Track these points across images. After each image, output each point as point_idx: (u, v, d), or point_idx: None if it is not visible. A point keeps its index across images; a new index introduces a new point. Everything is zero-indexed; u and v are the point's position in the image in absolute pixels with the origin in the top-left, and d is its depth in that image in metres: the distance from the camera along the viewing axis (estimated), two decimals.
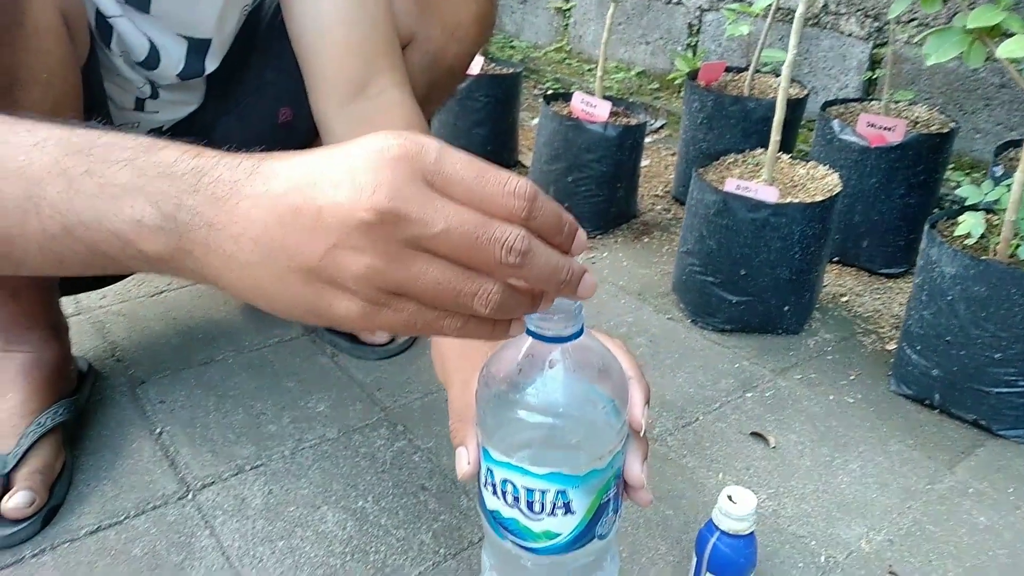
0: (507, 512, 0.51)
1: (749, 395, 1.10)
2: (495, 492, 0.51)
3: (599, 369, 0.51)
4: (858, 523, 0.88)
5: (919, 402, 1.08)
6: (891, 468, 0.96)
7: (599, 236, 1.58)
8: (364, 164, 0.37)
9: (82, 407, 0.98)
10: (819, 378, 1.14)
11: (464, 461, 0.53)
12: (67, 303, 1.22)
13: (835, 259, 1.47)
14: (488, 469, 0.51)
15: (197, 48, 0.89)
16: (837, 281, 1.43)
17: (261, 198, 0.39)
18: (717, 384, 1.12)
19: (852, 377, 1.15)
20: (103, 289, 1.30)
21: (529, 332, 0.48)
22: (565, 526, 0.51)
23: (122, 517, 0.84)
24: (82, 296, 1.27)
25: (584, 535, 0.51)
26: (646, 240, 1.58)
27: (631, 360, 0.55)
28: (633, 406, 0.53)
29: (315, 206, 0.37)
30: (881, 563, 0.82)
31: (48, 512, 0.82)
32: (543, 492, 0.49)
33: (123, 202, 0.39)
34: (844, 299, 1.37)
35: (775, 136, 1.18)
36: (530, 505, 0.50)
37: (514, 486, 0.50)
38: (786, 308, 1.21)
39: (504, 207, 0.38)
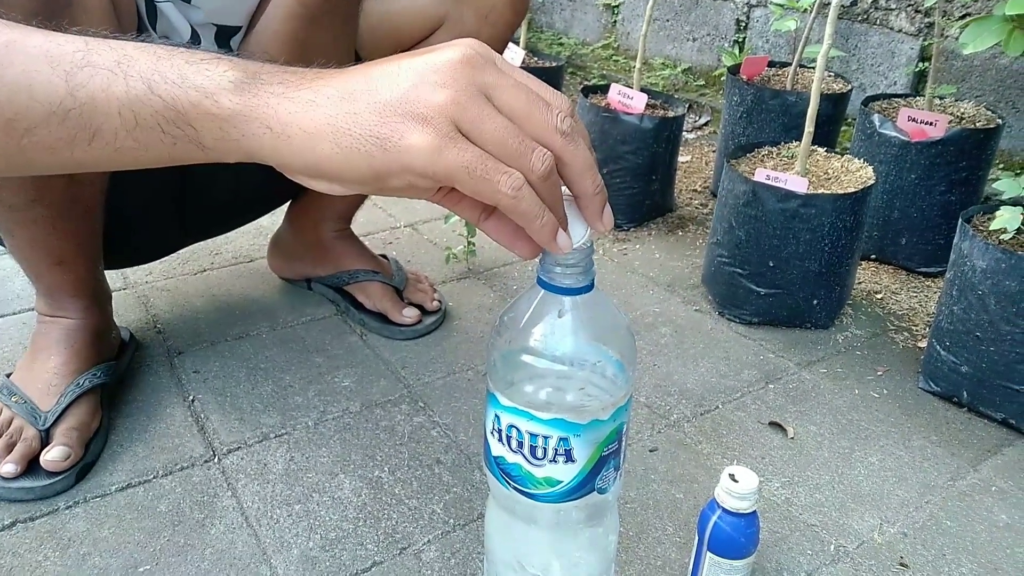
0: (511, 458, 0.53)
1: (771, 386, 1.09)
2: (500, 438, 0.53)
3: (607, 325, 0.53)
4: (872, 515, 0.87)
5: (947, 400, 1.06)
6: (912, 463, 0.95)
7: (632, 228, 1.58)
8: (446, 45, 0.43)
9: (121, 373, 1.03)
10: (845, 373, 1.13)
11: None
12: (115, 277, 1.28)
13: (872, 256, 1.45)
14: (495, 415, 0.53)
15: (225, 34, 0.93)
16: (873, 279, 1.41)
17: (344, 71, 0.43)
18: (739, 375, 1.12)
19: (880, 373, 1.13)
20: (149, 266, 1.35)
21: (541, 283, 0.50)
22: (566, 474, 0.52)
23: (151, 476, 0.88)
24: (129, 271, 1.33)
25: (584, 485, 0.53)
26: (680, 234, 1.58)
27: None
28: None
29: (401, 61, 0.42)
30: (892, 555, 0.81)
31: (83, 468, 0.87)
32: (546, 438, 0.51)
33: (210, 65, 0.43)
34: (879, 296, 1.35)
35: (809, 127, 1.17)
36: (533, 451, 0.52)
37: (519, 431, 0.52)
38: (815, 302, 1.20)
39: (555, 100, 0.44)
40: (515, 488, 0.54)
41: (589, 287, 0.51)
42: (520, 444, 0.52)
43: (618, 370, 0.53)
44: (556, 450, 0.52)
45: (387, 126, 0.40)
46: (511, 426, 0.52)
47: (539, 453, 0.52)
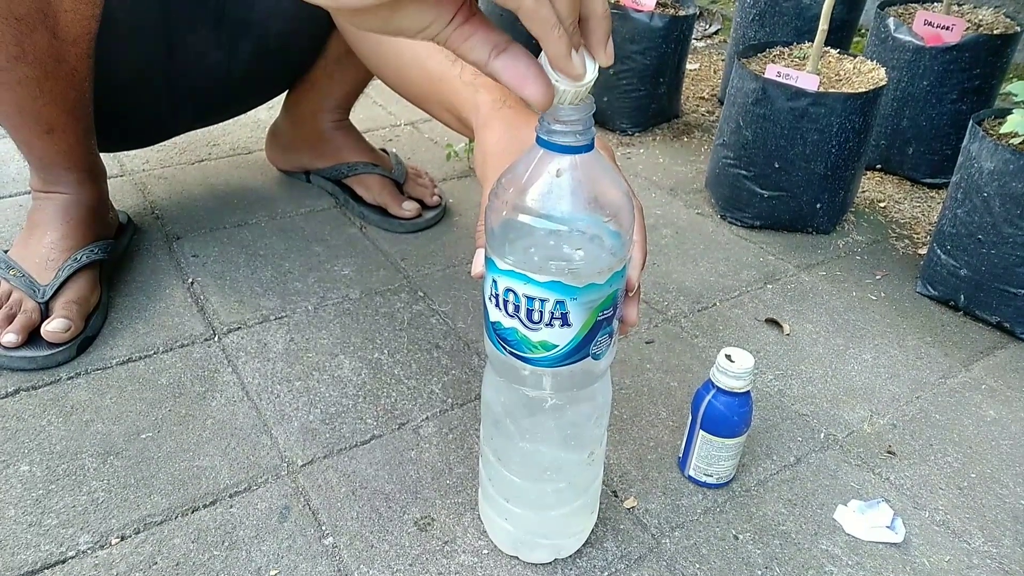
0: (508, 322, 0.53)
1: (770, 287, 1.09)
2: (497, 304, 0.53)
3: (606, 186, 0.52)
4: (863, 407, 0.88)
5: (944, 303, 1.07)
6: (905, 361, 0.96)
7: (637, 133, 1.56)
8: None
9: (119, 252, 1.03)
10: (844, 276, 1.13)
11: (479, 264, 0.56)
12: (111, 164, 1.26)
13: (878, 167, 1.43)
14: (493, 280, 0.53)
15: None
16: (877, 188, 1.39)
17: None
18: (738, 275, 1.12)
19: (878, 277, 1.13)
20: (145, 154, 1.34)
21: (540, 142, 0.49)
22: (562, 338, 0.52)
23: (151, 352, 0.89)
24: (126, 160, 1.32)
25: (579, 349, 0.53)
26: (685, 140, 1.56)
27: (640, 224, 0.57)
28: (632, 267, 0.55)
29: None
30: (881, 443, 0.83)
31: (83, 341, 0.88)
32: (543, 301, 0.51)
33: None
34: (882, 205, 1.34)
35: (823, 24, 1.13)
36: (529, 314, 0.52)
37: (515, 295, 0.52)
38: (818, 206, 1.19)
39: None
40: (511, 353, 0.55)
41: (588, 147, 0.49)
42: (517, 308, 0.52)
43: (616, 232, 0.52)
44: (552, 314, 0.52)
45: None
46: (508, 290, 0.52)
47: (535, 317, 0.52)
